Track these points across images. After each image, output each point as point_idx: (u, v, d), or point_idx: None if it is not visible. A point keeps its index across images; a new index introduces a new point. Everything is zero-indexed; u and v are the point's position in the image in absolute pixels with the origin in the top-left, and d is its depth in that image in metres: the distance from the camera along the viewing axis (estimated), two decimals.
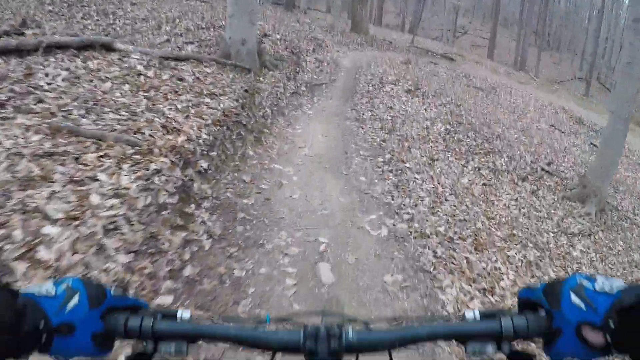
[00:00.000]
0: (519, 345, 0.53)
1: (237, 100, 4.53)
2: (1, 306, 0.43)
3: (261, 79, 6.21)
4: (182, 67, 5.02)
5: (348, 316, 0.57)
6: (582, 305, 0.45)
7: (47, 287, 0.49)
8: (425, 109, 7.75)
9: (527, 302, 0.54)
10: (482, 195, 4.92)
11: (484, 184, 5.33)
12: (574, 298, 0.46)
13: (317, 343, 0.50)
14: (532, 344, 0.59)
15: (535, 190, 5.99)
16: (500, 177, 5.86)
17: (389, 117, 6.71)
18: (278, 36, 9.16)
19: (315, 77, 8.32)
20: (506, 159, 6.58)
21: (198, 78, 4.80)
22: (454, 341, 0.53)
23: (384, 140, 5.66)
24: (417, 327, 0.53)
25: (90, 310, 0.50)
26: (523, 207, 5.24)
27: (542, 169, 6.86)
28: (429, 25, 36.82)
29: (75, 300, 0.49)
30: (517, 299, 0.56)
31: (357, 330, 0.52)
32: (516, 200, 5.33)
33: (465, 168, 5.64)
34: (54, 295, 0.48)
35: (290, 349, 0.51)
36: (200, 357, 1.78)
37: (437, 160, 5.52)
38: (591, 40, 29.15)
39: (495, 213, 4.56)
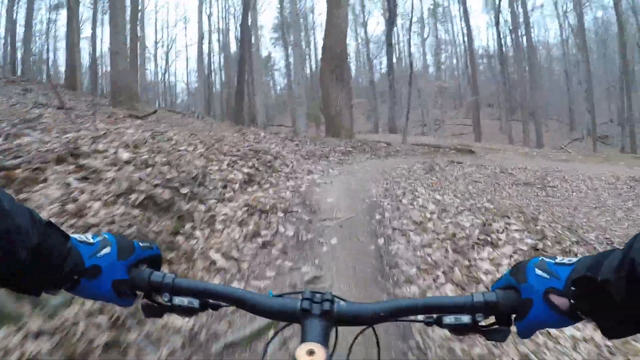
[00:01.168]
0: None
1: None
2: (55, 247, 0.50)
3: None
4: None
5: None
6: (546, 276, 0.50)
7: (87, 236, 0.56)
8: None
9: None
10: None
11: None
12: (537, 271, 0.51)
13: (312, 304, 0.54)
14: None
15: None
16: None
17: None
18: (97, 163, 3.05)
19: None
20: None
21: None
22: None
23: None
24: (400, 300, 0.61)
25: (118, 261, 0.55)
26: None
27: None
28: (402, 121, 33.15)
29: (107, 249, 0.55)
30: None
31: (347, 302, 0.57)
32: None
33: None
34: (92, 243, 0.55)
35: (289, 313, 0.55)
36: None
37: None
38: (577, 99, 26.31)
39: None
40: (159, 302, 0.57)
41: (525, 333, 0.52)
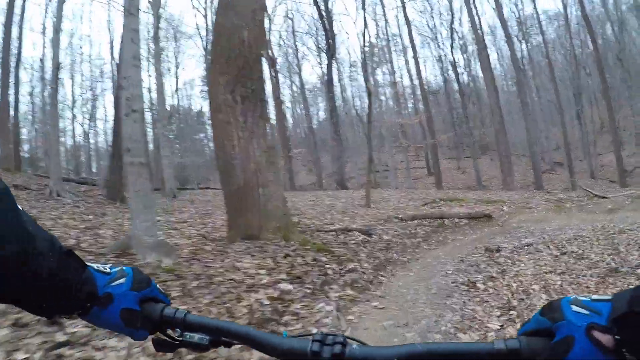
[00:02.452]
0: None
1: None
2: (72, 274, 0.50)
3: None
4: None
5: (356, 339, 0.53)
6: (586, 312, 0.44)
7: (105, 266, 0.55)
8: None
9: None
10: None
11: None
12: (575, 308, 0.44)
13: (322, 346, 0.49)
14: None
15: None
16: None
17: None
18: None
19: None
20: None
21: None
22: None
23: None
24: (416, 344, 0.50)
25: (130, 291, 0.53)
26: None
27: None
28: (351, 170, 28.82)
29: (122, 280, 0.54)
30: None
31: (360, 345, 0.51)
32: None
33: None
34: (108, 273, 0.54)
35: (298, 355, 0.50)
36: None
37: None
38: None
39: None
40: (170, 337, 0.56)
41: None
